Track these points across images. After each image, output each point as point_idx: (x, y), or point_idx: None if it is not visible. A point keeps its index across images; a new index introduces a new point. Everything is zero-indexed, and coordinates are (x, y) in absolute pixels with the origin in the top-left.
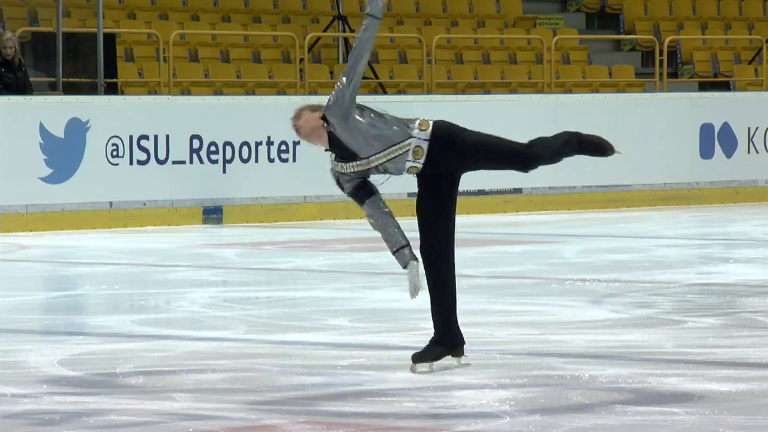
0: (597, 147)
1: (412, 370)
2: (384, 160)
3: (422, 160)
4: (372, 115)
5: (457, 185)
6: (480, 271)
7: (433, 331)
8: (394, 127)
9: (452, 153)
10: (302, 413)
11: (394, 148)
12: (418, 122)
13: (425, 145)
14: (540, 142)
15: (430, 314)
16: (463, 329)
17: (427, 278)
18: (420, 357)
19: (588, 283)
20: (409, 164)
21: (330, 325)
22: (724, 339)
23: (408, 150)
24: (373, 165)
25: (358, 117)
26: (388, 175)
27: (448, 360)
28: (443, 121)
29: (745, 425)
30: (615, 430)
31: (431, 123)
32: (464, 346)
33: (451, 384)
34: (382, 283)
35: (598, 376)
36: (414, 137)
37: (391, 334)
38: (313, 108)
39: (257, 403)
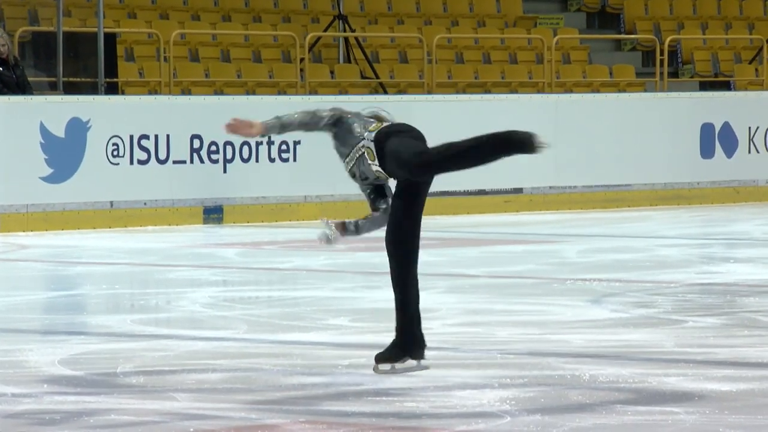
0: (520, 144)
1: (375, 371)
2: (352, 164)
3: (377, 162)
4: (343, 126)
5: (424, 192)
6: (481, 271)
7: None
8: (354, 132)
9: (384, 158)
10: (303, 413)
11: (353, 152)
12: (373, 125)
13: (372, 146)
14: (441, 147)
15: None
16: (464, 329)
17: (392, 280)
18: (383, 357)
19: (588, 283)
20: (374, 167)
21: (331, 325)
22: (725, 339)
23: (363, 152)
24: (347, 170)
25: (333, 131)
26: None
27: (408, 362)
28: (397, 124)
29: (745, 425)
30: (615, 429)
31: (381, 125)
32: (424, 350)
33: (451, 383)
34: (383, 283)
35: (599, 375)
36: (365, 139)
37: (392, 334)
38: None
39: (258, 402)
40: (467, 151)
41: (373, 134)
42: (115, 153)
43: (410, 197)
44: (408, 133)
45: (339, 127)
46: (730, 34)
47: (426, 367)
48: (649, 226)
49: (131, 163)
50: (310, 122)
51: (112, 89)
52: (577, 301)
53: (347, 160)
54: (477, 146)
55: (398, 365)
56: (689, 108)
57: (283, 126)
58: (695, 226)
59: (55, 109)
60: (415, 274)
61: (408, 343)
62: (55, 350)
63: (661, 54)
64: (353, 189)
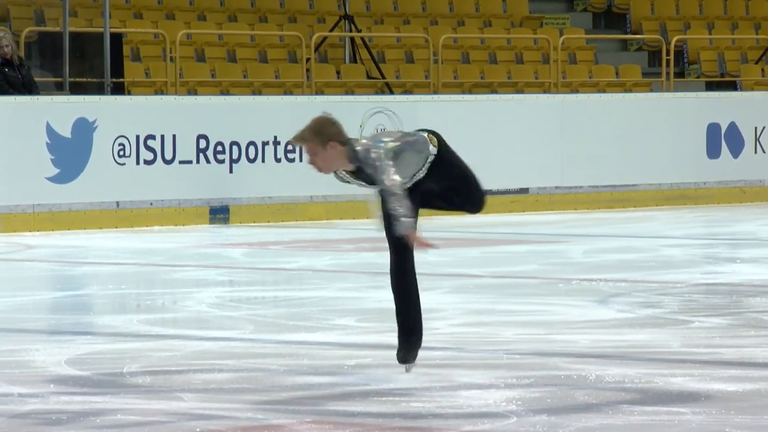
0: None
1: (407, 371)
2: (420, 176)
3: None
4: (404, 154)
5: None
6: (486, 271)
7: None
8: (416, 158)
9: (439, 171)
10: (309, 413)
11: (423, 167)
12: (427, 136)
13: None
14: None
15: (395, 313)
16: (469, 329)
17: (399, 283)
18: (407, 357)
19: (594, 283)
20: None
21: (336, 325)
22: (731, 339)
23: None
24: (413, 182)
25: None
26: None
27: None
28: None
29: (752, 425)
30: (622, 430)
31: (435, 137)
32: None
33: (457, 384)
34: (388, 283)
35: (605, 375)
36: (430, 154)
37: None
38: (323, 140)
39: (264, 402)
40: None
41: (436, 147)
42: (122, 153)
43: (414, 199)
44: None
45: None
46: (737, 34)
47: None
48: (654, 227)
49: (137, 163)
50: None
51: (119, 89)
52: (583, 302)
53: (419, 171)
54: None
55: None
56: (695, 108)
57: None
58: (701, 226)
59: (62, 110)
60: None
61: (416, 340)
62: (61, 350)
63: (668, 54)
64: (360, 189)
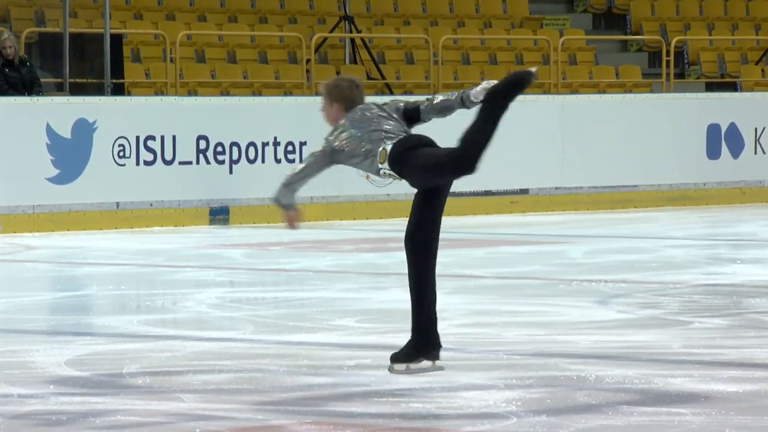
0: (515, 84)
1: (390, 370)
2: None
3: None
4: (342, 155)
5: (445, 194)
6: (487, 272)
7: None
8: (366, 158)
9: (410, 176)
10: (309, 414)
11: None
12: (380, 150)
13: (388, 148)
14: (467, 133)
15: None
16: (470, 329)
17: (409, 281)
18: (398, 357)
19: (595, 284)
20: (386, 171)
21: (337, 326)
22: (731, 339)
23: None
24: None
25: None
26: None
27: (423, 363)
28: (408, 137)
29: (752, 426)
30: (622, 430)
31: (386, 152)
32: (440, 351)
33: (457, 384)
34: (389, 284)
35: (605, 376)
36: (380, 167)
37: (398, 335)
38: (331, 99)
39: (264, 403)
40: (485, 123)
41: (385, 165)
42: (122, 154)
43: (430, 200)
44: (420, 145)
45: (341, 155)
46: (737, 35)
47: (441, 368)
48: (655, 227)
49: (137, 163)
50: (316, 171)
51: (119, 90)
52: (584, 302)
53: (381, 174)
54: (489, 115)
55: (413, 365)
56: (695, 109)
57: (295, 191)
58: (701, 227)
59: (62, 110)
60: (433, 275)
61: (424, 343)
62: (61, 351)
63: (668, 55)
64: (360, 190)
